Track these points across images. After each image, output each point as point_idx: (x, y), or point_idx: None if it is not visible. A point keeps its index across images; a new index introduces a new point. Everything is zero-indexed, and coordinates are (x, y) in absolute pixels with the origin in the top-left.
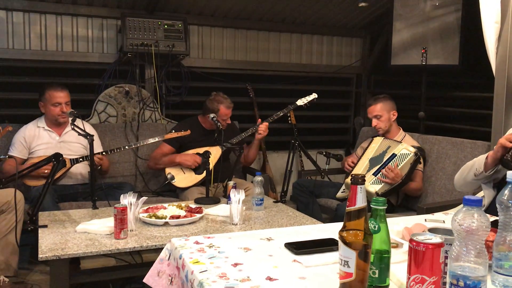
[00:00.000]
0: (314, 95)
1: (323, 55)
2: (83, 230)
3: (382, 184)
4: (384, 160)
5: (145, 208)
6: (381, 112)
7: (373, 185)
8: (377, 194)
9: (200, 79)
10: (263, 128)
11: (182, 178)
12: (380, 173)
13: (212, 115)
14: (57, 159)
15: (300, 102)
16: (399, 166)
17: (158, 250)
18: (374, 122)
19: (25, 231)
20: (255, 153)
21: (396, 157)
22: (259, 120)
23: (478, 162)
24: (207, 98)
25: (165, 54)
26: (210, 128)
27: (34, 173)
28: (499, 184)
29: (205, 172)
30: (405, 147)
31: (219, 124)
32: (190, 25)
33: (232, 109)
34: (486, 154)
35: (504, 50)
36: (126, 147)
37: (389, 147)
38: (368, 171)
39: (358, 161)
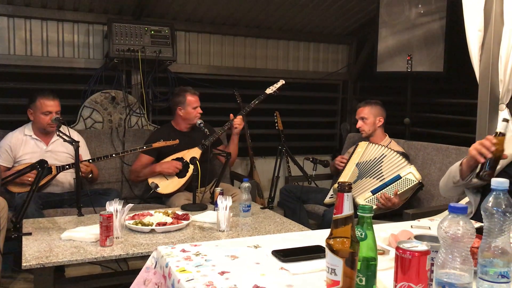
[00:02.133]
0: (281, 81)
1: (310, 61)
2: (68, 237)
3: (375, 206)
4: (387, 180)
5: (131, 215)
6: (368, 115)
7: (366, 203)
8: None
9: (187, 85)
10: (238, 121)
11: (166, 185)
12: (379, 194)
13: (199, 121)
14: (41, 166)
15: (269, 90)
16: (400, 192)
17: (144, 257)
18: (359, 123)
19: (8, 238)
20: (235, 149)
21: (400, 180)
22: (231, 115)
23: (453, 170)
24: (172, 96)
25: (152, 59)
26: (185, 129)
27: (18, 180)
28: (484, 190)
29: (188, 174)
30: (411, 171)
31: (206, 130)
32: (177, 31)
33: (222, 114)
34: (459, 162)
35: (487, 58)
36: (113, 155)
37: (384, 156)
38: (358, 178)
39: (345, 166)
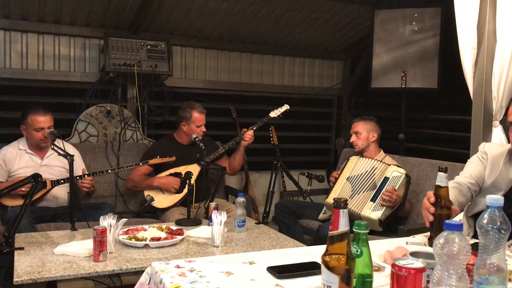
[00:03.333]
0: (286, 106)
1: (305, 77)
2: (61, 252)
3: (384, 208)
4: (378, 185)
5: (125, 229)
6: (361, 130)
7: (374, 212)
8: (380, 221)
9: (182, 99)
10: (249, 135)
11: (162, 199)
12: (379, 198)
13: (194, 136)
14: (35, 180)
15: (273, 114)
16: (396, 188)
17: (137, 273)
18: (352, 138)
19: (0, 253)
20: (240, 161)
21: (389, 180)
22: (244, 129)
23: None
24: (179, 109)
25: (148, 74)
26: (187, 143)
27: (12, 192)
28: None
29: (184, 190)
30: (395, 169)
31: (201, 144)
32: (173, 46)
33: (217, 129)
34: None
35: (480, 75)
36: (109, 170)
37: (375, 168)
38: (353, 193)
39: (335, 182)
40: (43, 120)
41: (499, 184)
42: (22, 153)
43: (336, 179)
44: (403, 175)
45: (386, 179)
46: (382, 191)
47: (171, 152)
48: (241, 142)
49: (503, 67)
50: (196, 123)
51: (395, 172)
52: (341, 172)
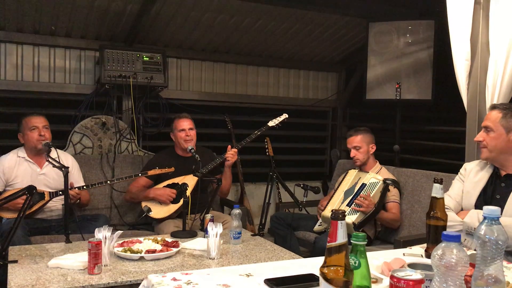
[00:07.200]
0: (284, 115)
1: (300, 88)
2: (55, 265)
3: (358, 213)
4: (356, 190)
5: (120, 242)
6: (361, 143)
7: (349, 216)
8: (354, 224)
9: (178, 111)
10: (230, 154)
11: (159, 209)
12: (354, 203)
13: (189, 147)
14: (30, 192)
15: (272, 123)
16: (371, 195)
17: (133, 285)
18: (353, 153)
19: None
20: (228, 182)
21: (366, 186)
22: (229, 146)
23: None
24: None
25: (143, 86)
26: (183, 154)
27: (9, 206)
28: None
29: (181, 201)
30: (373, 176)
31: (196, 156)
32: (169, 58)
33: (213, 140)
34: None
35: (474, 86)
36: (108, 181)
37: (360, 178)
38: (342, 203)
39: (333, 194)
40: (37, 120)
41: (467, 187)
42: (21, 160)
43: (335, 191)
44: (380, 182)
45: (363, 185)
46: (357, 197)
47: (170, 164)
48: (224, 162)
49: (497, 78)
50: (177, 128)
51: (372, 179)
52: (339, 185)
